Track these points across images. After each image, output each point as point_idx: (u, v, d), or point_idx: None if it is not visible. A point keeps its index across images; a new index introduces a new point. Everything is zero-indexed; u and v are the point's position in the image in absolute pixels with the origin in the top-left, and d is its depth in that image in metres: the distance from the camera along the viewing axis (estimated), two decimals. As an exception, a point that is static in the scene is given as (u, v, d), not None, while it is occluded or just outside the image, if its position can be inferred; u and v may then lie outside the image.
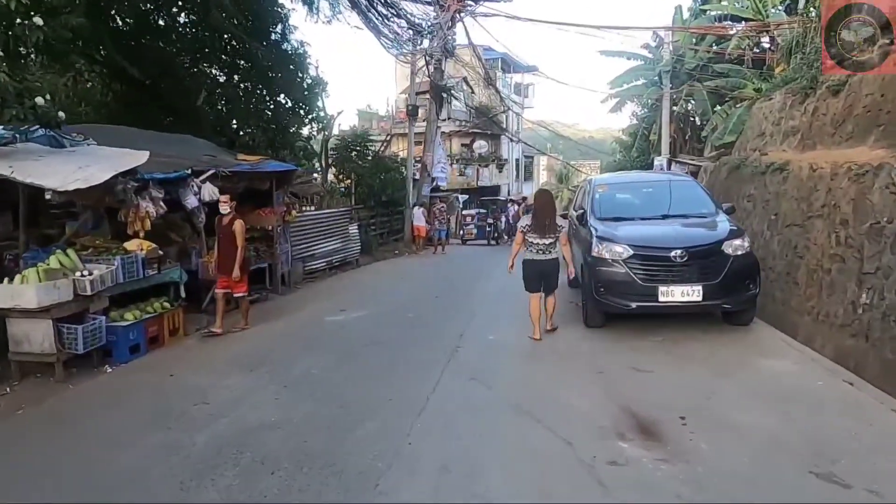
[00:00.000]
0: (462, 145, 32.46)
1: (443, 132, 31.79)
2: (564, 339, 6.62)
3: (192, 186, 7.92)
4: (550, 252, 6.52)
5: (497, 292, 9.85)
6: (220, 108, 13.90)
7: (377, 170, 17.14)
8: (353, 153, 17.09)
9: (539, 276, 6.55)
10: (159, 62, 12.52)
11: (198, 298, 8.28)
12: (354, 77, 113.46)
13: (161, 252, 6.77)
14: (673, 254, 6.18)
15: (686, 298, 6.13)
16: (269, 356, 6.27)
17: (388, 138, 24.92)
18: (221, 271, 7.38)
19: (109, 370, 5.93)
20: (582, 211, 7.94)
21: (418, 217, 17.87)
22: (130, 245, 6.56)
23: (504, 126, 33.61)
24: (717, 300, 6.21)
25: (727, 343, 6.15)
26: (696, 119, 24.48)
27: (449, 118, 31.63)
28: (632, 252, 6.38)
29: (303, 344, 6.82)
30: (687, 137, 24.50)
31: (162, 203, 6.91)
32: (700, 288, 6.08)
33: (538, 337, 6.53)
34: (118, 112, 12.31)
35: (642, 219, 7.23)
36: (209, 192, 8.10)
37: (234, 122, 13.85)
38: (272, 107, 14.68)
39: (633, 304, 6.33)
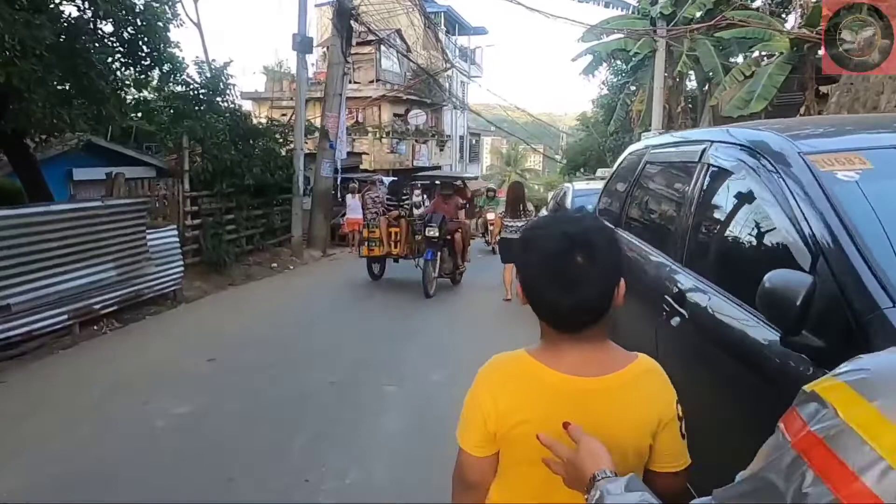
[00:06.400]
0: (395, 115, 25.83)
1: (370, 97, 25.27)
2: None
3: None
4: None
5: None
6: None
7: (237, 135, 10.44)
8: (200, 108, 10.38)
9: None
10: None
11: None
12: (265, 29, 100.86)
13: None
14: None
15: None
16: None
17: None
18: None
19: None
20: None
21: (354, 208, 13.21)
22: None
23: (448, 93, 27.25)
24: None
25: None
26: (692, 84, 19.06)
27: (378, 80, 25.05)
28: None
29: None
30: (680, 108, 18.94)
31: None
32: None
33: (510, 297, 7.41)
34: None
35: None
36: None
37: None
38: (64, 33, 7.82)
39: None
